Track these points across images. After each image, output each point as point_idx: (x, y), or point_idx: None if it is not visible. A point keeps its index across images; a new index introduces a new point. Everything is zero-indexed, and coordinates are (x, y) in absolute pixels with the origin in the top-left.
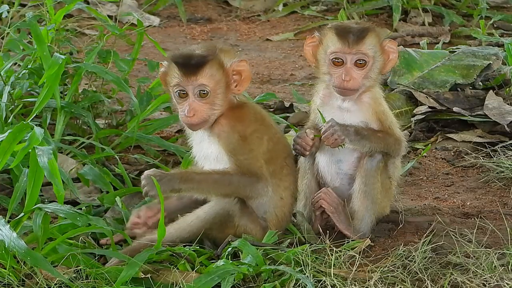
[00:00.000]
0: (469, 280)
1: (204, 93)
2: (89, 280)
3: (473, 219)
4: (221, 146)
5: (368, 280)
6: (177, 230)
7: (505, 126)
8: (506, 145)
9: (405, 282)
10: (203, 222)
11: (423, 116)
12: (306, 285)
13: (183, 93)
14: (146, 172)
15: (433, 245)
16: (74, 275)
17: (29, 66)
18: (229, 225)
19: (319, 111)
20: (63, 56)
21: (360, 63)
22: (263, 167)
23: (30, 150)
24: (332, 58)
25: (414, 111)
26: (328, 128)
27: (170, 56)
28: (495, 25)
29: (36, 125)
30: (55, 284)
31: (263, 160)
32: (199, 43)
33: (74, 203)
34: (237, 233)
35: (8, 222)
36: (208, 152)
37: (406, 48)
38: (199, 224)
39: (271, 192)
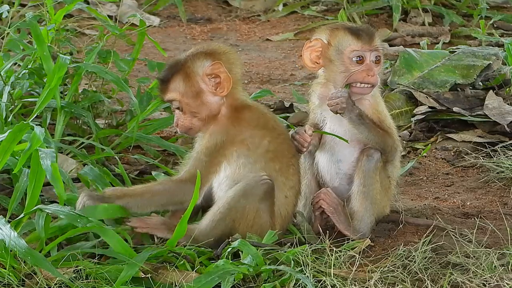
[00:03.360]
0: (469, 280)
1: (175, 107)
2: (89, 280)
3: (473, 219)
4: (203, 140)
5: (368, 280)
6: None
7: (505, 126)
8: (506, 145)
9: (405, 282)
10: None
11: (423, 116)
12: (306, 285)
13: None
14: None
15: (433, 245)
16: (74, 275)
17: (29, 66)
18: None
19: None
20: (68, 57)
21: (377, 60)
22: (211, 174)
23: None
24: (354, 57)
25: (414, 111)
26: (338, 92)
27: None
28: (495, 25)
29: (36, 125)
30: (55, 284)
31: (268, 158)
32: (199, 43)
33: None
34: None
35: (8, 222)
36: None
37: (406, 48)
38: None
39: (202, 195)
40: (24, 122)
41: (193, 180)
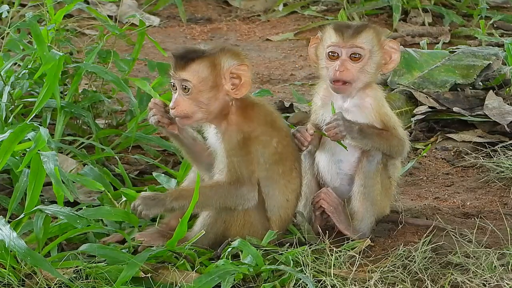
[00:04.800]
0: (469, 280)
1: (185, 88)
2: (89, 280)
3: (473, 219)
4: (223, 143)
5: (368, 280)
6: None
7: (505, 126)
8: (506, 145)
9: (405, 282)
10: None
11: (423, 116)
12: (306, 285)
13: (173, 86)
14: (142, 194)
15: (433, 245)
16: (74, 275)
17: (29, 66)
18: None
19: (332, 104)
20: (60, 53)
21: (355, 57)
22: (254, 173)
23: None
24: (328, 52)
25: (414, 111)
26: (333, 120)
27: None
28: (495, 25)
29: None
30: (55, 284)
31: (273, 160)
32: (200, 43)
33: (74, 203)
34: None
35: (8, 222)
36: (216, 148)
37: (406, 48)
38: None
39: (256, 197)
40: (26, 123)
41: (238, 182)
